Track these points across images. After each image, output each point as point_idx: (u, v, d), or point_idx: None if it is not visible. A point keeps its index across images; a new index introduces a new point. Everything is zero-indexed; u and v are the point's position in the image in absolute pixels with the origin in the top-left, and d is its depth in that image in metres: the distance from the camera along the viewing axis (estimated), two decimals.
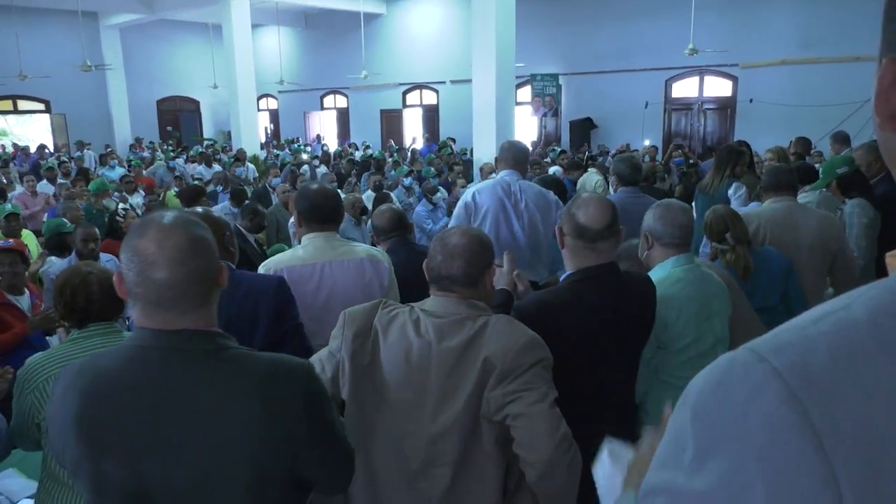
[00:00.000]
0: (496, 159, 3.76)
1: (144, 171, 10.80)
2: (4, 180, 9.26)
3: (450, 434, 1.58)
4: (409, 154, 13.02)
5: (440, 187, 7.28)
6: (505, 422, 1.55)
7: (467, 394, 1.57)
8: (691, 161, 9.07)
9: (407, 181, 8.00)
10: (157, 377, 1.19)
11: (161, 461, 1.17)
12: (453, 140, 14.53)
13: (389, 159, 11.25)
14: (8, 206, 5.20)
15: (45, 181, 8.46)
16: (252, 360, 1.23)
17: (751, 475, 0.45)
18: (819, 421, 0.44)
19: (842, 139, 6.72)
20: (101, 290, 2.09)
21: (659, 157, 11.07)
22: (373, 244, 3.10)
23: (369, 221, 5.79)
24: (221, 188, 8.44)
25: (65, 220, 4.87)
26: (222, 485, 1.18)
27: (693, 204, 4.23)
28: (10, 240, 3.75)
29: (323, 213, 2.45)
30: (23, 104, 18.70)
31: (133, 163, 11.79)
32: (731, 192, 4.03)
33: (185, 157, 13.44)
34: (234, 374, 1.20)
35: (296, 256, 2.45)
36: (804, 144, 7.00)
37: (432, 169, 8.44)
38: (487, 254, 1.67)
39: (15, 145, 16.46)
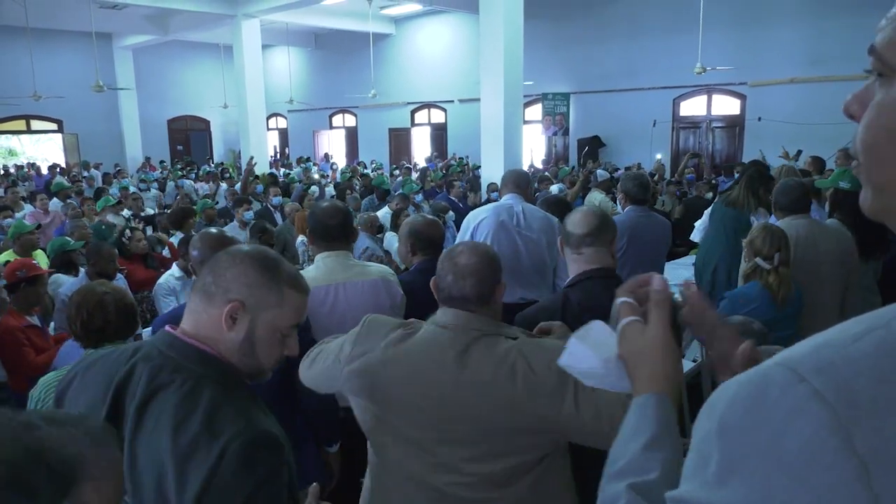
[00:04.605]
0: (500, 186, 3.84)
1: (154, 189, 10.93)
2: (24, 196, 9.32)
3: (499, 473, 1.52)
4: (418, 171, 13.05)
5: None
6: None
7: (522, 429, 1.50)
8: (714, 179, 9.00)
9: (417, 198, 8.01)
10: None
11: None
12: (461, 158, 14.56)
13: (398, 176, 11.26)
14: (24, 222, 5.23)
15: (56, 199, 8.51)
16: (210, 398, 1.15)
17: (786, 497, 0.44)
18: (863, 447, 0.42)
19: (847, 155, 6.67)
20: (117, 311, 2.11)
21: (667, 175, 11.05)
22: (412, 253, 2.79)
23: (385, 237, 5.79)
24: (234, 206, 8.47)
25: (69, 238, 4.81)
26: None
27: (710, 212, 4.22)
28: (24, 269, 3.59)
29: (328, 230, 2.43)
30: (36, 124, 18.94)
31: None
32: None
33: (193, 175, 13.54)
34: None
35: (308, 277, 2.42)
36: (818, 164, 6.81)
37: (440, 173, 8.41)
38: (497, 272, 1.67)
39: (29, 165, 16.62)
